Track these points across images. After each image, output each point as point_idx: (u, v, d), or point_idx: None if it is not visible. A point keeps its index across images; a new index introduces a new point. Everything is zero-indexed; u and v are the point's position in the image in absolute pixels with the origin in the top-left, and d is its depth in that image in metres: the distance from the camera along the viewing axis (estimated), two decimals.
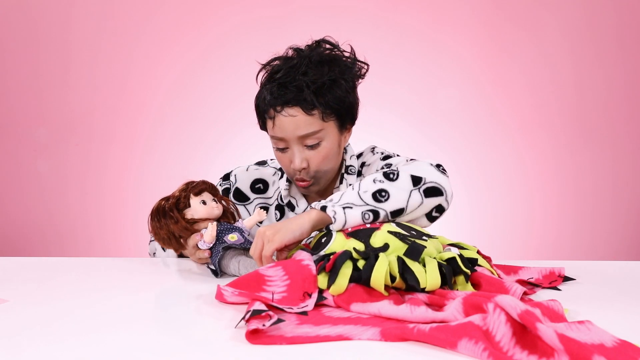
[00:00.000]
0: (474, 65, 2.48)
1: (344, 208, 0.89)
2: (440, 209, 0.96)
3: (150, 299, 0.84)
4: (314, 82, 1.00)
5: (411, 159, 1.08)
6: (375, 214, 0.89)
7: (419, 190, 0.93)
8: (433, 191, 0.94)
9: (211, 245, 0.93)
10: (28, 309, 0.77)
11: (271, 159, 1.27)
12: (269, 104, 1.03)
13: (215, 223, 0.94)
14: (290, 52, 1.06)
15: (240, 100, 2.48)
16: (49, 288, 0.90)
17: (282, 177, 1.20)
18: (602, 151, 2.47)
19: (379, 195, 0.91)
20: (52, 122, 2.52)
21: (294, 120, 1.01)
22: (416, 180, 0.93)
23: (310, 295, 0.76)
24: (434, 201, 0.94)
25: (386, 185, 0.92)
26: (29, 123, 2.52)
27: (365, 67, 1.09)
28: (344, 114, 1.06)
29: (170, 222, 0.96)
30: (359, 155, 1.20)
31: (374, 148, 1.19)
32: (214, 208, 0.97)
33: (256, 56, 1.09)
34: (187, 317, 0.76)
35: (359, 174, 1.17)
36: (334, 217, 0.88)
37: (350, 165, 1.15)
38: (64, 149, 2.52)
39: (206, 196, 0.99)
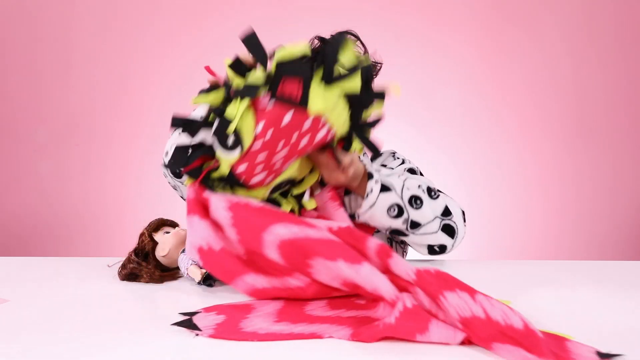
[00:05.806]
0: (474, 65, 2.48)
1: (381, 190, 0.90)
2: (443, 249, 0.97)
3: (154, 298, 0.84)
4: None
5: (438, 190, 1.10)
6: (400, 212, 0.91)
7: (441, 222, 0.94)
8: (449, 230, 0.95)
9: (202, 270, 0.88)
10: (28, 309, 0.77)
11: None
12: None
13: (192, 267, 0.89)
14: (315, 42, 1.05)
15: None
16: (49, 288, 0.90)
17: None
18: (601, 151, 2.47)
19: (415, 201, 0.92)
20: (52, 122, 2.52)
21: None
22: (446, 212, 0.95)
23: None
24: (443, 238, 0.95)
25: (425, 197, 0.94)
26: (29, 123, 2.52)
27: (378, 65, 1.09)
28: None
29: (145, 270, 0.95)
30: (377, 157, 1.19)
31: (394, 153, 1.20)
32: (179, 231, 0.99)
33: None
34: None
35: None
36: (370, 190, 0.89)
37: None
38: (64, 149, 2.52)
39: (166, 228, 1.01)
